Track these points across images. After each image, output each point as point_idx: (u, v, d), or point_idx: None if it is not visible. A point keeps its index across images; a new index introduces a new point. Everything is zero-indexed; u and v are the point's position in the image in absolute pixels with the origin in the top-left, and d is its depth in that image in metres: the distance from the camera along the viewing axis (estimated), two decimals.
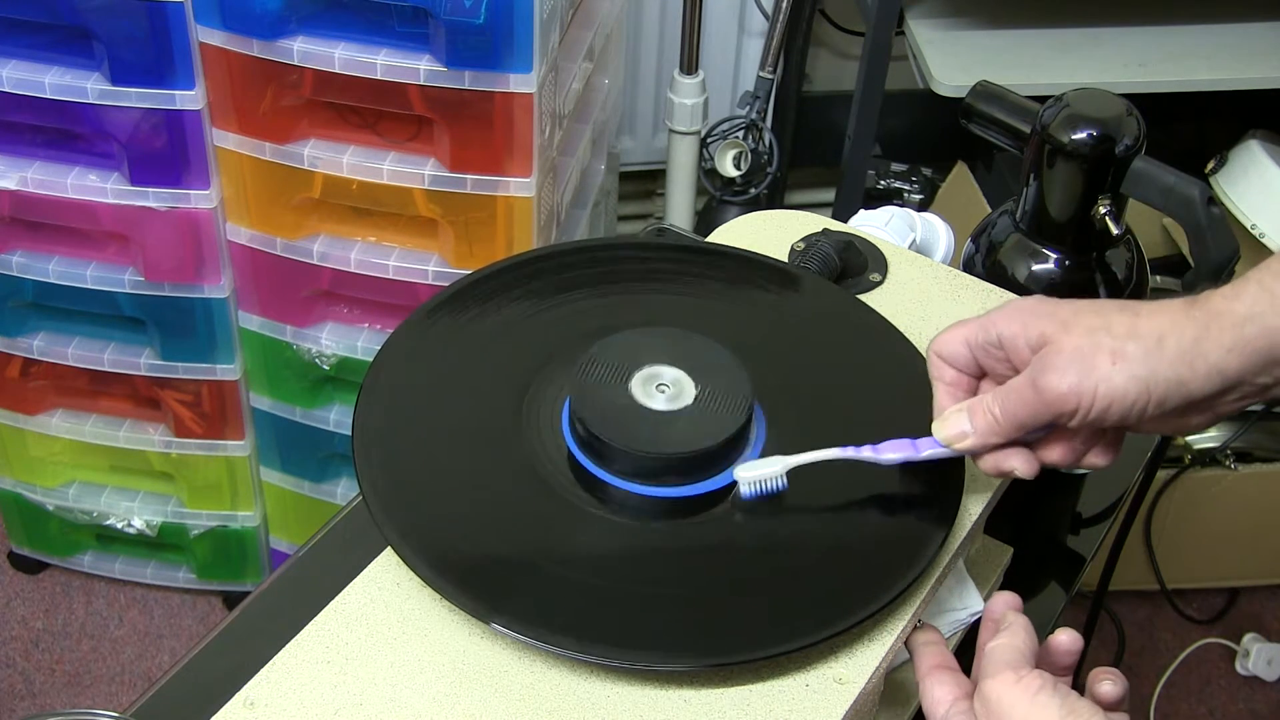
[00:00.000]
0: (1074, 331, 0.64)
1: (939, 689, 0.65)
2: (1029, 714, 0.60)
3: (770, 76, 1.92)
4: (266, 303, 1.50)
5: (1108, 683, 0.65)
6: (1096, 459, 0.69)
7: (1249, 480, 1.77)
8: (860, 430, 0.73)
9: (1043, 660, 0.66)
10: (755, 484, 0.70)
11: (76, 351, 1.56)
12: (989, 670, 0.63)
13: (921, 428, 0.72)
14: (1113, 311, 0.65)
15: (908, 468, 0.72)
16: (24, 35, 1.34)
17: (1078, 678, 0.68)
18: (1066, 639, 0.67)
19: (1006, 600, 0.67)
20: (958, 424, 0.69)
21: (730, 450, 0.71)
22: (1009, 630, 0.64)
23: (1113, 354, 0.63)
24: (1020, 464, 0.69)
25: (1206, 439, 1.76)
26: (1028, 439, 0.69)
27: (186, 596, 1.85)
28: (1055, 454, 0.69)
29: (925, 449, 0.70)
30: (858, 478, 0.73)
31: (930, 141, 1.95)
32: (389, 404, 0.74)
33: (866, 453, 0.71)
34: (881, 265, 0.88)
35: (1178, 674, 1.85)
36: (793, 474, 0.71)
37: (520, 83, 1.28)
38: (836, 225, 0.91)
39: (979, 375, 0.70)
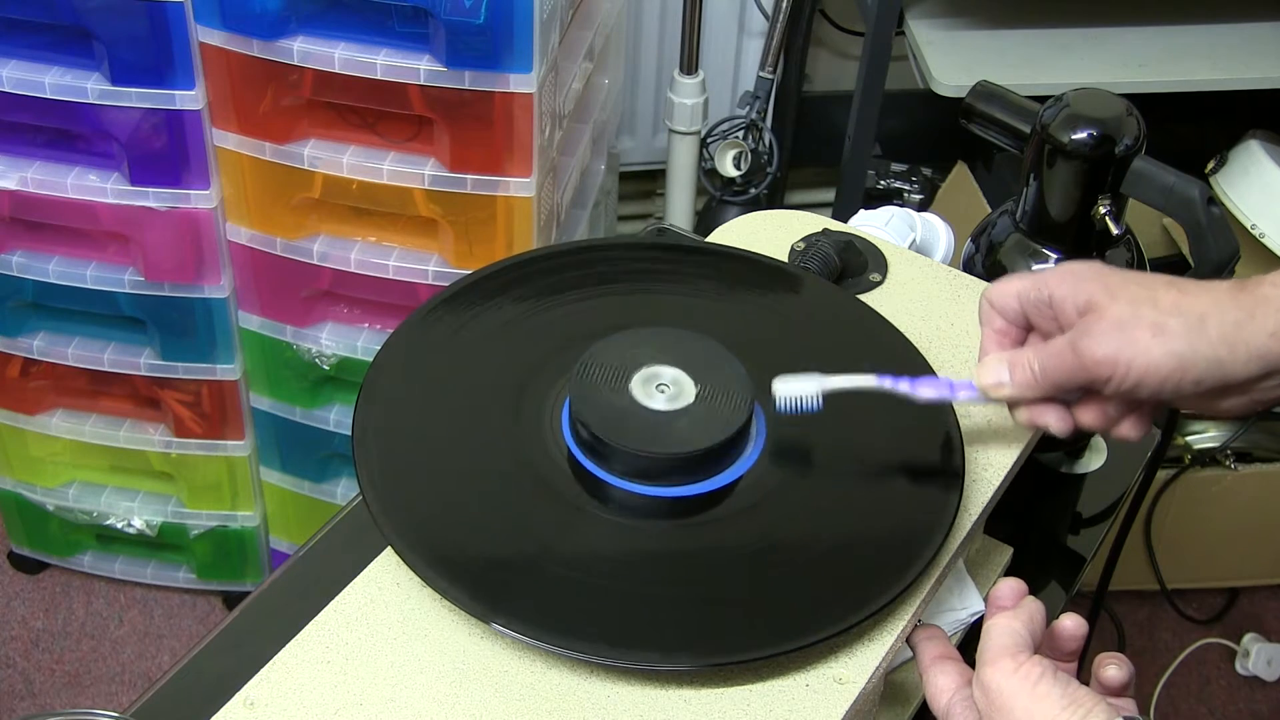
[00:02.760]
0: (1119, 300, 0.65)
1: (942, 678, 0.65)
2: (1030, 705, 0.59)
3: (770, 76, 1.92)
4: (266, 303, 1.50)
5: (1113, 667, 0.65)
6: (1128, 430, 0.70)
7: (1249, 480, 1.77)
8: (858, 428, 0.73)
9: (1047, 646, 0.66)
10: (790, 399, 0.71)
11: (76, 351, 1.56)
12: (987, 655, 0.62)
13: (919, 427, 0.73)
14: (1160, 286, 0.65)
15: (907, 468, 0.72)
16: (24, 35, 1.34)
17: (1081, 672, 0.68)
18: (1071, 624, 0.67)
19: (1011, 586, 0.66)
20: (996, 373, 0.70)
21: (730, 450, 0.71)
22: (1011, 612, 0.64)
23: (1153, 327, 0.64)
24: (1055, 421, 0.70)
25: (1206, 439, 1.76)
26: (1064, 398, 0.69)
27: (186, 596, 1.85)
28: (1089, 417, 0.70)
29: (961, 391, 0.71)
30: (858, 476, 0.73)
31: (930, 141, 1.95)
32: (389, 404, 0.74)
33: (903, 386, 0.72)
34: (881, 265, 0.88)
35: (1178, 674, 1.85)
36: (795, 469, 0.71)
37: (520, 83, 1.28)
38: (836, 225, 0.91)
39: (1027, 328, 0.72)
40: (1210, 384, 0.64)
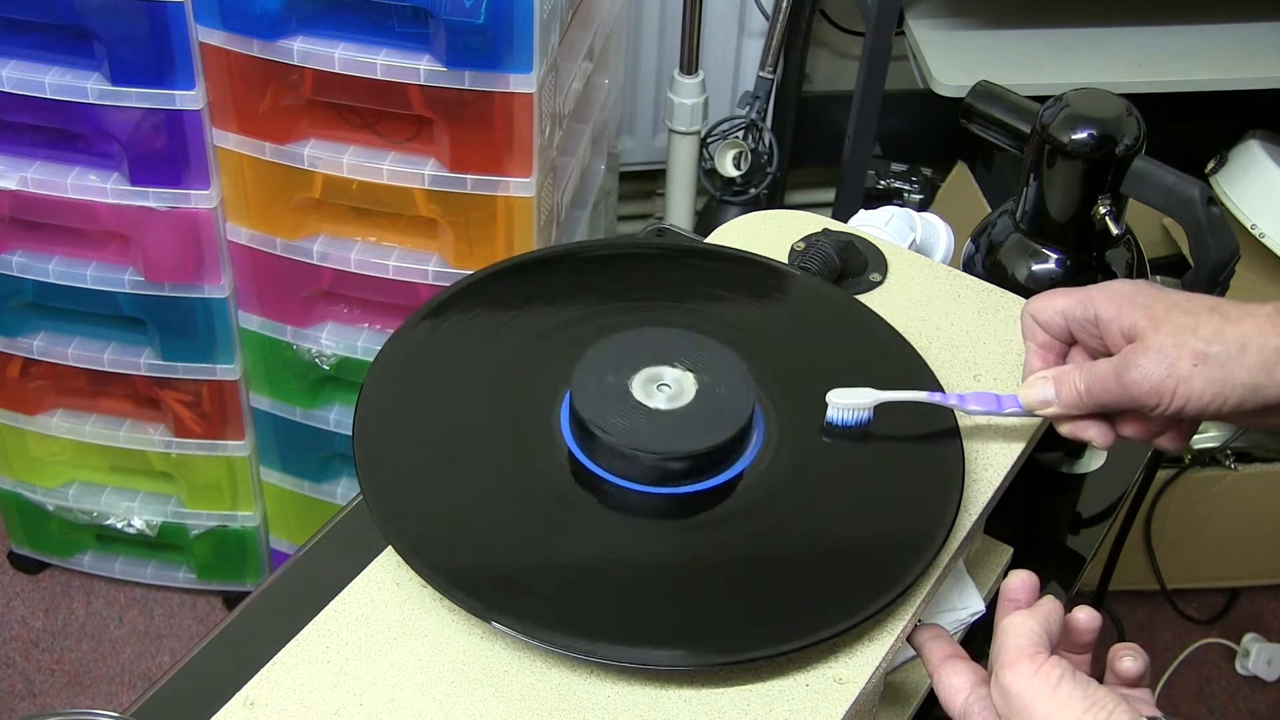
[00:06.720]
0: (1163, 330, 0.67)
1: (955, 678, 0.65)
2: (1051, 709, 0.59)
3: (770, 76, 1.92)
4: (266, 303, 1.50)
5: (1128, 659, 0.66)
6: (1168, 443, 0.73)
7: (1249, 480, 1.77)
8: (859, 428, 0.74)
9: (1060, 640, 0.66)
10: (844, 410, 0.73)
11: (76, 351, 1.56)
12: (1005, 657, 0.61)
13: (919, 426, 0.73)
14: (1203, 312, 0.67)
15: (908, 468, 0.72)
16: (24, 35, 1.34)
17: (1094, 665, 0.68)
18: (1085, 617, 0.67)
19: (1024, 580, 0.66)
20: (1042, 392, 0.72)
21: (730, 450, 0.71)
22: (1028, 610, 0.64)
23: (1195, 356, 0.66)
24: (1098, 435, 0.72)
25: (1206, 439, 1.76)
26: (1106, 413, 0.71)
27: (186, 596, 1.85)
28: (1131, 430, 0.72)
29: (1008, 406, 0.74)
30: (858, 476, 0.73)
31: (930, 141, 1.95)
32: (389, 404, 0.74)
33: (953, 400, 0.74)
34: (881, 265, 0.88)
35: (1178, 674, 1.85)
36: (795, 469, 0.71)
37: (520, 83, 1.28)
38: (836, 225, 0.91)
39: (1070, 342, 0.73)
40: (1250, 406, 0.66)
